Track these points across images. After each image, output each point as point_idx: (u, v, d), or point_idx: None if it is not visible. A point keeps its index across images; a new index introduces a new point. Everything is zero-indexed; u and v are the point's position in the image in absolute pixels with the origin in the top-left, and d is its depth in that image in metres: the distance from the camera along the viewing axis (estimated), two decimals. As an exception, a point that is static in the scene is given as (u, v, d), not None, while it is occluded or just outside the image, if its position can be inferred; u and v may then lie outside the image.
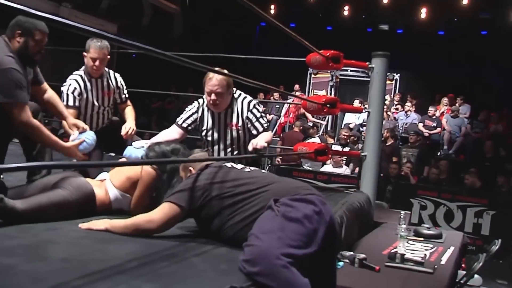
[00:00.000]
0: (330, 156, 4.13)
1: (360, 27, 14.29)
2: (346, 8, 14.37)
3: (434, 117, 10.11)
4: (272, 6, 15.04)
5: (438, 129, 9.90)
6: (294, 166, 7.51)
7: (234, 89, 3.27)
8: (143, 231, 2.09)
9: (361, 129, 10.15)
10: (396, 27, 14.32)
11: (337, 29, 14.52)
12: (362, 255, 2.81)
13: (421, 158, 8.33)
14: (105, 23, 9.99)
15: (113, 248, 1.84)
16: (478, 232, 6.36)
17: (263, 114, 3.31)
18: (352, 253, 2.81)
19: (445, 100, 10.88)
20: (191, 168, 2.39)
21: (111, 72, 3.84)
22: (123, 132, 3.64)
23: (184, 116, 3.38)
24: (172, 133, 3.34)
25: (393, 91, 12.54)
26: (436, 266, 2.85)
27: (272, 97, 11.64)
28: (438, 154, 9.63)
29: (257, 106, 3.29)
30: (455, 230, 6.27)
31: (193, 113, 3.36)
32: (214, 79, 3.09)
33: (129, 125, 3.68)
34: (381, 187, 6.78)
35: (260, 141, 2.99)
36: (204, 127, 3.33)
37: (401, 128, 10.38)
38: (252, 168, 2.32)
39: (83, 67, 3.70)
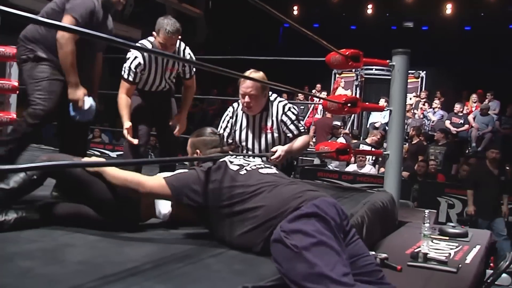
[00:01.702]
0: (351, 155, 4.10)
1: (384, 25, 14.16)
2: (370, 6, 14.27)
3: (461, 114, 9.93)
4: (295, 7, 15.03)
5: (466, 126, 9.73)
6: (318, 167, 7.48)
7: (270, 92, 3.20)
8: (129, 189, 2.12)
9: (387, 128, 10.02)
10: (421, 24, 14.13)
11: (361, 28, 14.42)
12: (384, 255, 2.77)
13: (448, 156, 8.18)
14: (129, 29, 10.13)
15: (129, 250, 1.86)
16: (509, 230, 6.20)
17: (299, 118, 3.24)
18: (373, 252, 2.77)
19: (474, 97, 10.70)
20: (198, 151, 2.45)
21: (184, 47, 3.53)
22: (172, 123, 3.55)
23: (221, 127, 3.31)
24: None
25: (419, 88, 12.38)
26: (460, 265, 2.78)
27: (297, 98, 11.63)
28: (467, 151, 9.46)
29: (292, 109, 3.21)
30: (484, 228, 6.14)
31: (228, 120, 3.29)
32: (248, 81, 3.01)
33: (179, 121, 3.58)
34: (407, 186, 6.72)
35: (280, 149, 3.00)
36: (238, 131, 3.26)
37: (427, 126, 10.23)
38: (249, 167, 2.22)
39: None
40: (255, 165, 2.25)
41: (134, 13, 10.83)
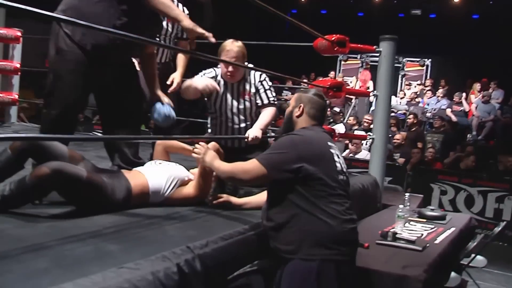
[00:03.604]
0: (336, 139, 4.20)
1: (391, 12, 14.09)
2: (378, -7, 14.22)
3: (462, 102, 9.96)
4: (303, -6, 15.02)
5: (467, 114, 9.77)
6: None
7: (246, 62, 3.32)
8: (237, 180, 2.21)
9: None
10: (428, 12, 14.04)
11: (369, 15, 14.36)
12: (353, 233, 2.90)
13: (446, 144, 8.25)
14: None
15: (98, 218, 2.00)
16: (499, 217, 6.28)
17: (272, 89, 3.36)
18: (344, 231, 2.89)
19: (477, 85, 10.69)
20: (301, 105, 2.35)
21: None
22: (169, 81, 3.50)
23: (204, 74, 3.36)
24: None
25: (424, 76, 12.39)
26: (428, 245, 2.88)
27: (301, 84, 11.70)
28: (467, 139, 9.51)
29: (267, 79, 3.35)
30: (475, 215, 6.25)
31: (212, 76, 3.35)
32: (232, 51, 3.15)
33: (176, 75, 3.56)
34: (402, 172, 6.82)
35: (253, 132, 3.09)
36: (219, 98, 3.34)
37: (430, 114, 10.28)
38: (345, 177, 2.23)
39: None
40: (346, 177, 2.26)
41: None
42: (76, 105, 2.68)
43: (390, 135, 8.44)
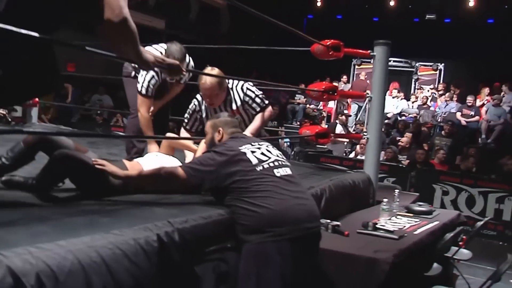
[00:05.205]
0: (331, 138, 4.44)
1: (406, 17, 14.24)
2: (393, -2, 14.37)
3: (472, 105, 10.08)
4: (319, -1, 15.24)
5: (476, 118, 9.87)
6: (322, 153, 7.83)
7: (227, 81, 3.47)
8: (161, 180, 2.40)
9: (399, 118, 10.29)
10: (444, 16, 14.15)
11: (384, 20, 14.49)
12: (336, 222, 3.13)
13: (453, 148, 8.41)
14: (153, 19, 10.58)
15: (96, 200, 2.30)
16: (500, 218, 6.45)
17: (257, 93, 3.53)
18: (328, 220, 3.13)
19: (486, 90, 10.79)
20: (220, 129, 2.60)
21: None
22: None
23: (187, 117, 3.61)
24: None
25: (437, 81, 12.53)
26: (405, 235, 3.10)
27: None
28: (478, 143, 9.62)
29: (250, 87, 3.52)
30: (476, 215, 6.42)
31: (195, 114, 3.58)
32: (206, 84, 3.30)
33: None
34: (406, 173, 7.02)
35: None
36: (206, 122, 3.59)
37: (440, 117, 10.42)
38: (266, 164, 2.38)
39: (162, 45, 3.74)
40: (272, 162, 2.40)
41: (158, 4, 11.29)
42: None
43: (398, 138, 8.65)
